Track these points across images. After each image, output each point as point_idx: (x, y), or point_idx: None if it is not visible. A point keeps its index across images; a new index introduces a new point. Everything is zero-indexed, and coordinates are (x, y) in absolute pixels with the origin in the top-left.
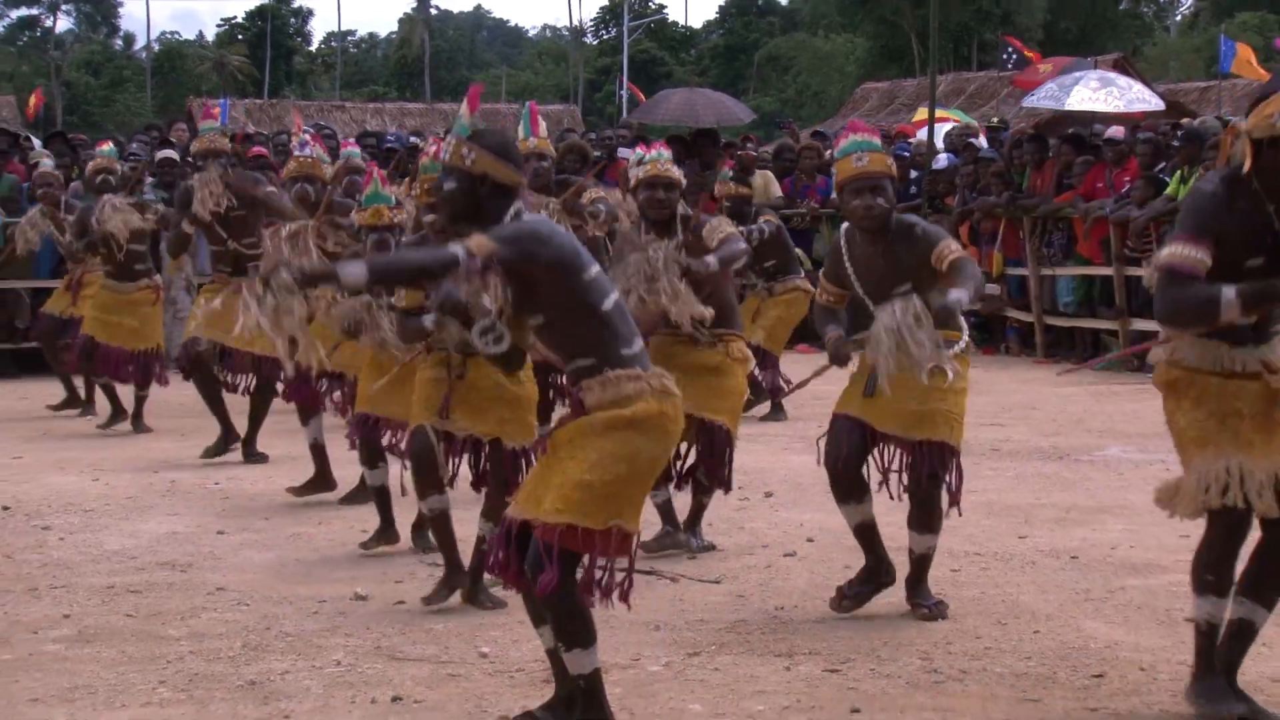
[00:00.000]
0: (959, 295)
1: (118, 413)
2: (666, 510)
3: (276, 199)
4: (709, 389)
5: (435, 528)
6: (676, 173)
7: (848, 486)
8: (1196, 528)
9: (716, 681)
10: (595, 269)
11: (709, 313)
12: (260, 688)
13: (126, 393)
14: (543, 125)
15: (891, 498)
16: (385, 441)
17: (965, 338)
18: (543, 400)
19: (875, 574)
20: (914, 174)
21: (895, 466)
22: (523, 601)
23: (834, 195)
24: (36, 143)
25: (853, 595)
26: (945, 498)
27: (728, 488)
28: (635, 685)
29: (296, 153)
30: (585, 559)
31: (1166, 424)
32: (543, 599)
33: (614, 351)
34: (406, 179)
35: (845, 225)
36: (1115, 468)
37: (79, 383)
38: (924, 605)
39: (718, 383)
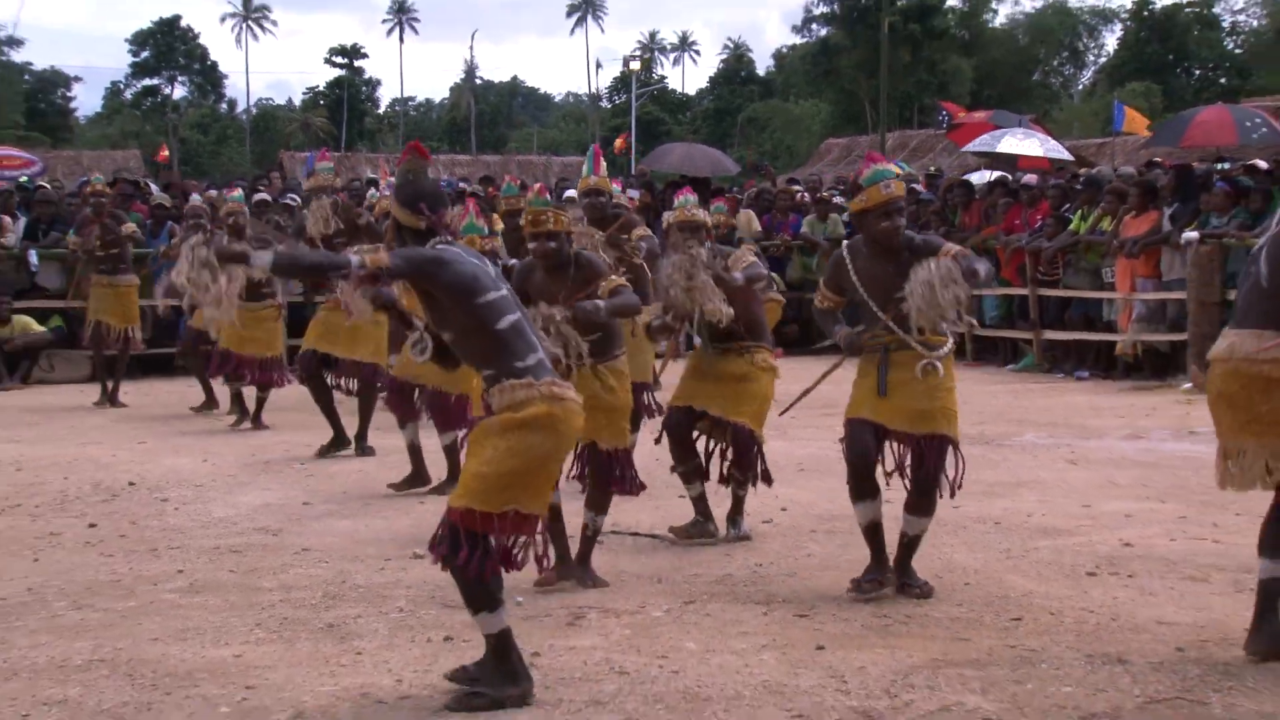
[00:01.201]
0: (983, 264)
1: (243, 413)
2: (700, 503)
3: (375, 227)
4: (735, 394)
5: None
6: (703, 216)
7: (866, 485)
8: (1096, 499)
9: (708, 624)
10: (494, 295)
11: (729, 312)
12: (337, 629)
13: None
14: (603, 165)
15: (906, 489)
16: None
17: (951, 343)
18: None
19: (881, 567)
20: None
21: (893, 462)
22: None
23: (806, 226)
24: (154, 187)
25: (864, 586)
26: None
27: (767, 480)
28: (641, 628)
29: (386, 193)
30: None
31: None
32: (450, 570)
33: (509, 364)
34: (494, 213)
35: (846, 242)
36: (1030, 451)
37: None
38: (915, 586)
39: (743, 388)
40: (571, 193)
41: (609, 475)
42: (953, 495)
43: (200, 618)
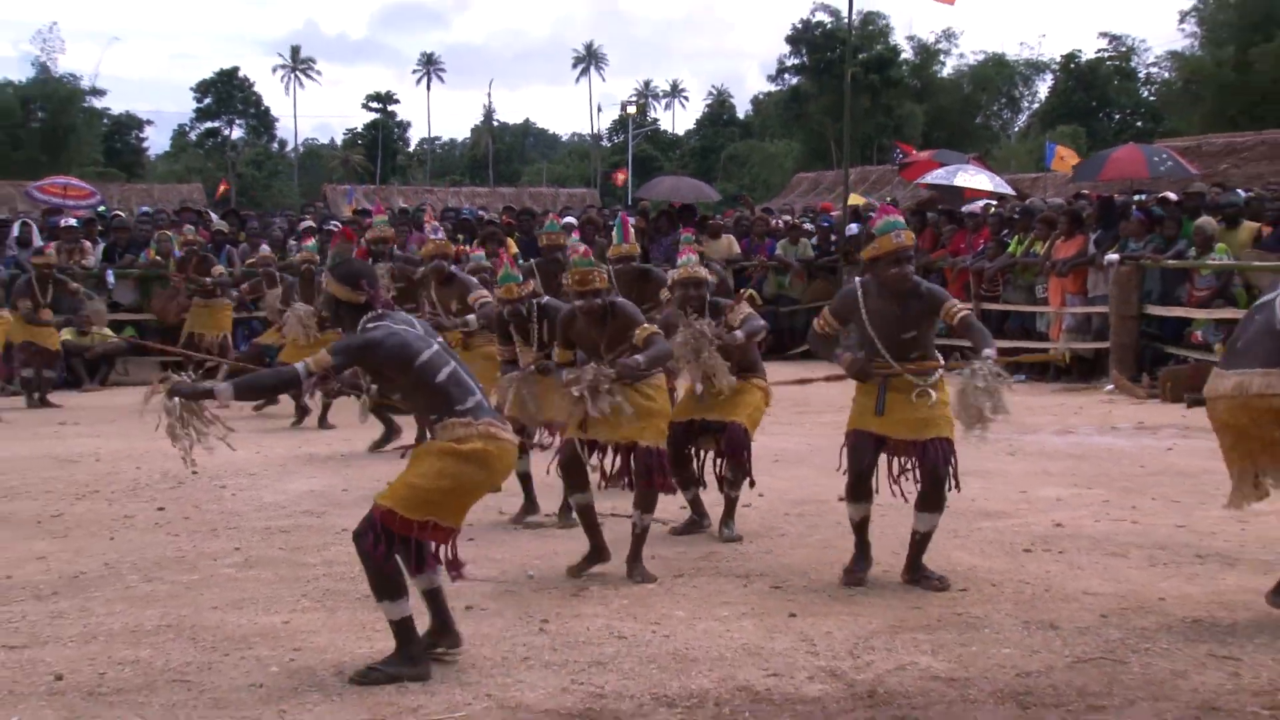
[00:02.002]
0: (990, 352)
1: (302, 413)
2: (695, 504)
3: (426, 283)
4: (732, 402)
5: (581, 516)
6: (704, 273)
7: (864, 490)
8: (1031, 486)
9: (694, 595)
10: (427, 354)
11: (734, 382)
12: (372, 599)
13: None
14: (631, 232)
15: (904, 497)
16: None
17: (940, 370)
18: None
19: (866, 559)
20: (833, 238)
21: (898, 469)
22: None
23: (779, 249)
24: (214, 216)
25: (854, 576)
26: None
27: (752, 481)
28: (637, 598)
29: (430, 236)
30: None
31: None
32: (362, 558)
33: (450, 408)
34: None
35: (860, 280)
36: (973, 444)
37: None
38: (932, 578)
39: (738, 398)
40: (570, 219)
41: (651, 473)
42: (956, 489)
43: (253, 589)
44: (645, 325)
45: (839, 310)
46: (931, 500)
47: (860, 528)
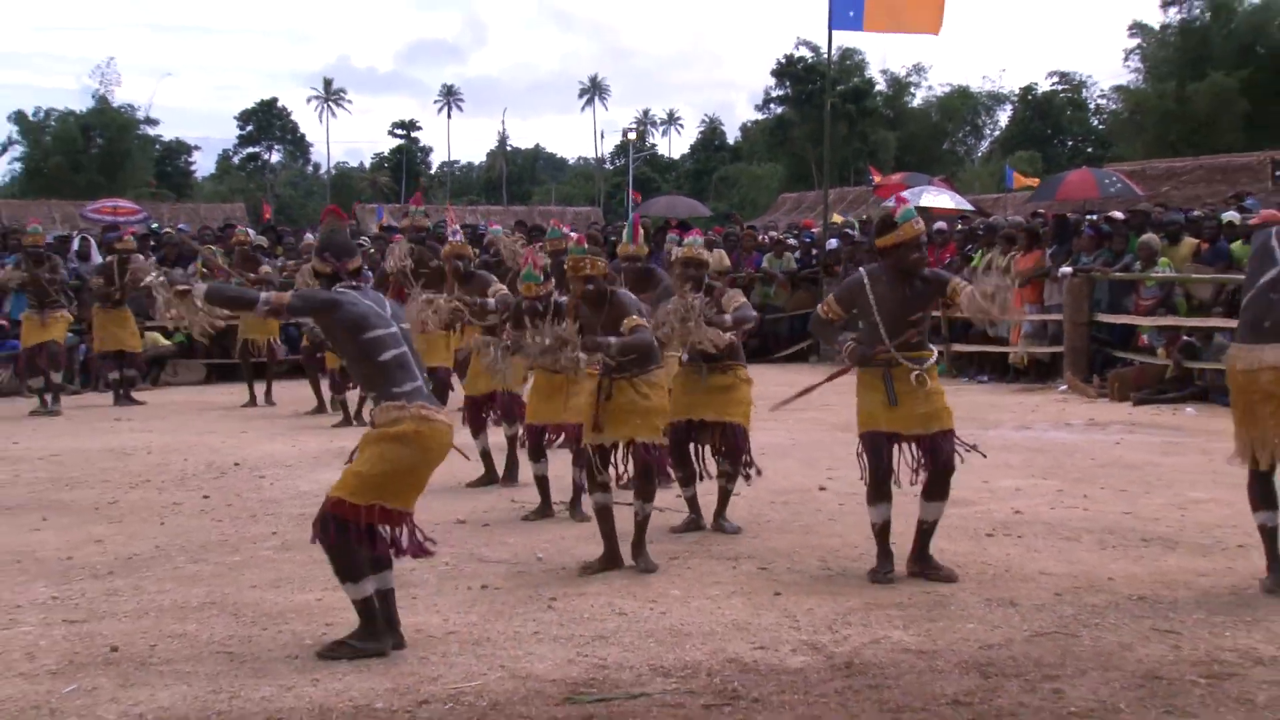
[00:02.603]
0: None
1: (348, 416)
2: (692, 502)
3: (443, 267)
4: (726, 400)
5: (599, 517)
6: (705, 255)
7: (884, 489)
8: (993, 477)
9: (688, 576)
10: (380, 332)
11: (727, 338)
12: (397, 579)
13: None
14: (641, 234)
15: (912, 484)
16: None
17: (935, 354)
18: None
19: (889, 559)
20: (814, 252)
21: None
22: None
23: (765, 261)
24: (252, 232)
25: (883, 576)
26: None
27: (748, 478)
28: (635, 579)
29: (450, 238)
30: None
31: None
32: (323, 547)
33: (387, 390)
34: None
35: (865, 269)
36: None
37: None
38: (938, 570)
39: (732, 395)
40: (557, 225)
41: (649, 465)
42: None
43: (289, 569)
44: (635, 317)
45: (844, 297)
46: (940, 490)
47: (883, 531)
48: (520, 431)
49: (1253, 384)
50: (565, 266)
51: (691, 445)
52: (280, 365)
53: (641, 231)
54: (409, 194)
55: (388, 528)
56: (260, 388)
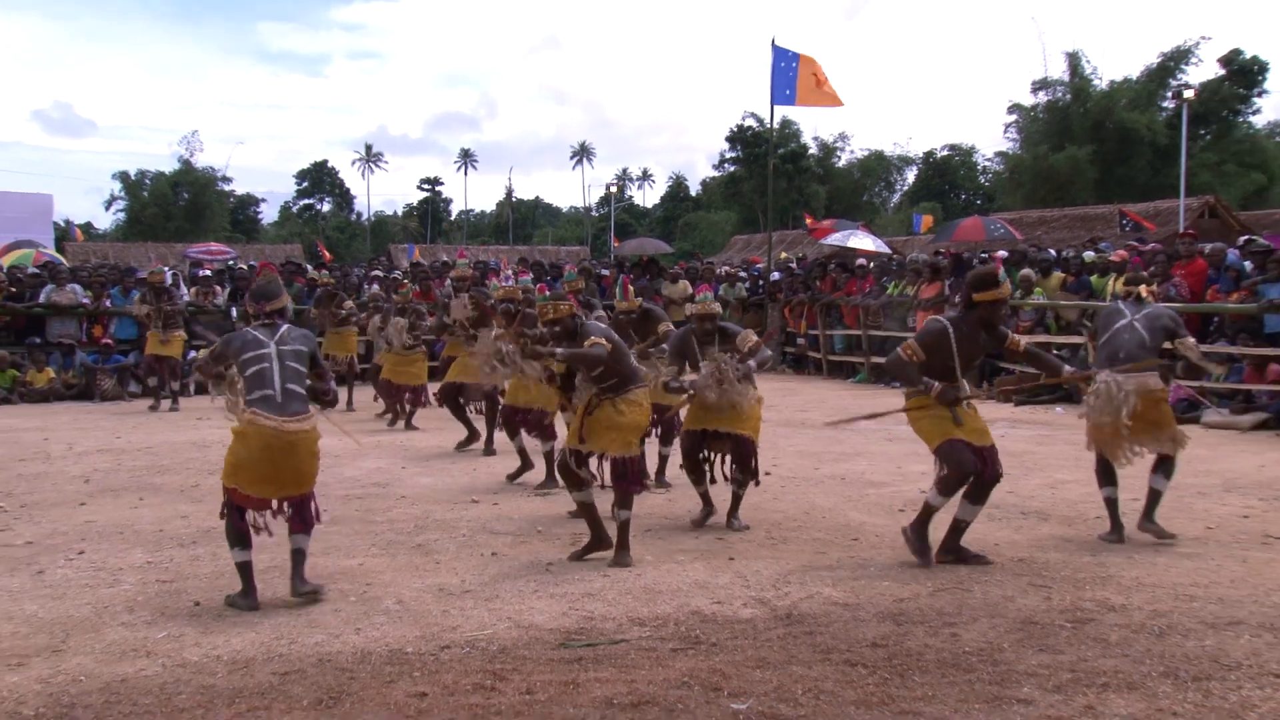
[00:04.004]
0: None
1: (397, 418)
2: (705, 498)
3: (495, 313)
4: (737, 415)
5: (582, 511)
6: (717, 308)
7: (960, 487)
8: (904, 463)
9: (659, 545)
10: (248, 355)
11: (757, 395)
12: (423, 548)
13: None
14: (631, 290)
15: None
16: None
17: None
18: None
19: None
20: (760, 283)
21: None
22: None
23: (722, 290)
24: (309, 268)
25: (949, 554)
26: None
27: (757, 481)
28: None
29: (503, 283)
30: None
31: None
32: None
33: (246, 397)
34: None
35: (948, 318)
36: (863, 433)
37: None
38: (972, 555)
39: (743, 410)
40: (571, 268)
41: (624, 476)
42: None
43: (336, 540)
44: (594, 338)
45: (929, 343)
46: (983, 496)
47: (954, 525)
48: (555, 447)
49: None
50: (541, 312)
51: (705, 452)
52: (358, 377)
53: (630, 289)
54: (433, 236)
55: (251, 512)
56: (342, 394)
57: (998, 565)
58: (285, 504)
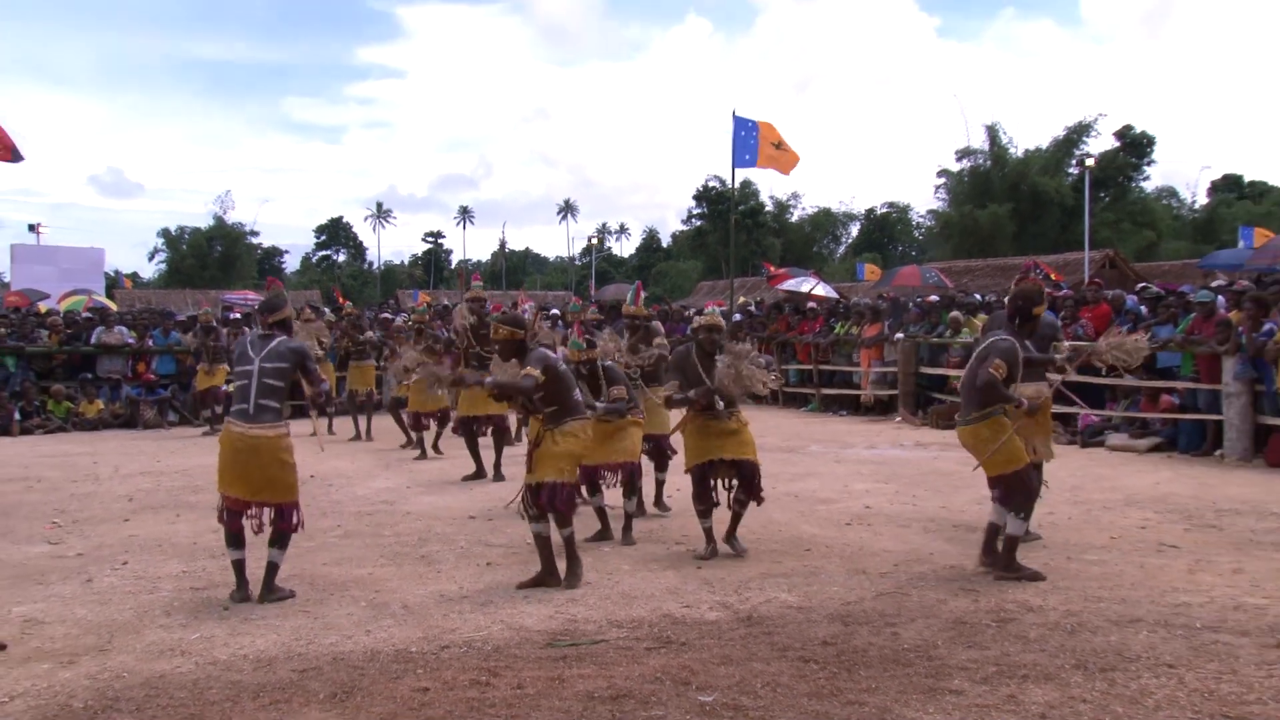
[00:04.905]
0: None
1: (422, 447)
2: (710, 533)
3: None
4: (738, 441)
5: (536, 542)
6: (722, 321)
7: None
8: (850, 482)
9: (635, 555)
10: (238, 369)
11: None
12: (426, 559)
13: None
14: (642, 297)
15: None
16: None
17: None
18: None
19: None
20: (724, 323)
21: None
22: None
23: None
24: (327, 310)
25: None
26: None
27: (760, 500)
28: (598, 558)
29: (524, 313)
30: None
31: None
32: None
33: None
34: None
35: (1014, 338)
36: (814, 455)
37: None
38: (1028, 569)
39: (742, 437)
40: (557, 311)
41: (554, 502)
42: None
43: (349, 552)
44: (529, 368)
45: (1012, 360)
46: (1029, 508)
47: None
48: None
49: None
50: (494, 332)
51: (713, 481)
52: (378, 408)
53: (642, 295)
54: (436, 283)
55: (235, 514)
56: (364, 424)
57: (932, 573)
58: (267, 510)
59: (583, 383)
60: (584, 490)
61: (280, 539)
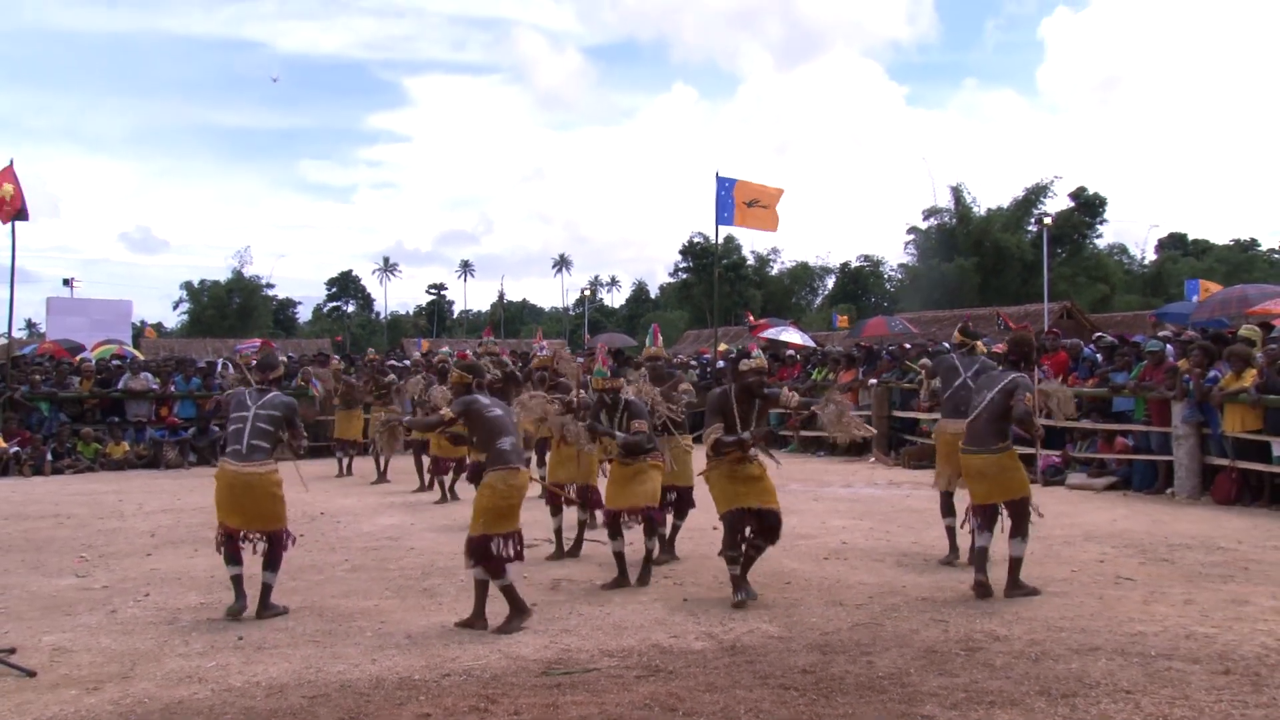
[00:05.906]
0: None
1: (443, 491)
2: (737, 581)
3: (532, 375)
4: (762, 488)
5: (474, 588)
6: (764, 362)
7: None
8: (828, 518)
9: (624, 589)
10: (233, 414)
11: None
12: (429, 591)
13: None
14: (660, 338)
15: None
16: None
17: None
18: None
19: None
20: (709, 369)
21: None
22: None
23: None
24: (335, 357)
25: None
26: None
27: (774, 542)
28: (590, 591)
29: (539, 353)
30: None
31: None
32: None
33: (224, 450)
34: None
35: (1024, 376)
36: (794, 494)
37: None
38: (1025, 589)
39: (764, 483)
40: (546, 352)
41: (482, 555)
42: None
43: (356, 585)
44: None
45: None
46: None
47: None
48: (589, 514)
49: (950, 442)
50: (452, 377)
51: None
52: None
53: (661, 338)
54: (439, 332)
55: (231, 538)
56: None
57: (905, 604)
58: (259, 537)
59: (605, 412)
60: (603, 529)
61: (272, 563)
